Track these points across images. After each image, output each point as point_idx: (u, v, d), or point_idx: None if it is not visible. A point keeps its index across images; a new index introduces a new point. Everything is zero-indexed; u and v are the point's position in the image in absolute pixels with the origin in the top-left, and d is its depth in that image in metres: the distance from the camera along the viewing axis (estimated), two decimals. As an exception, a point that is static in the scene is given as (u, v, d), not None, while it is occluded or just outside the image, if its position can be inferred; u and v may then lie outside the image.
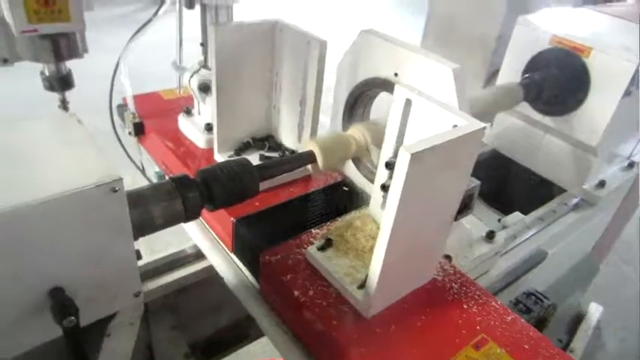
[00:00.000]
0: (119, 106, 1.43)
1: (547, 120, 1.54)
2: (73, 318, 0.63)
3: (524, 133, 1.66)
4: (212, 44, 1.02)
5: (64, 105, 0.93)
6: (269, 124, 1.25)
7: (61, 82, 0.90)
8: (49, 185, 0.61)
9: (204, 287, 1.48)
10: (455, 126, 0.77)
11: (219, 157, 1.19)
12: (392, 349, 0.80)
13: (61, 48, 0.85)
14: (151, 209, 0.78)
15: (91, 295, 0.69)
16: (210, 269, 1.43)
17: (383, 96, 1.05)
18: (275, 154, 1.20)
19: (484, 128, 0.76)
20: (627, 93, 1.35)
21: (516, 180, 1.76)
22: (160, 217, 0.80)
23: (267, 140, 1.22)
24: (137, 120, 1.34)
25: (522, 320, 0.89)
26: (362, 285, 0.87)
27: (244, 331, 1.61)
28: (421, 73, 0.92)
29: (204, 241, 1.16)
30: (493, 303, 0.91)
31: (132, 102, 1.34)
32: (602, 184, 1.57)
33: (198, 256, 1.40)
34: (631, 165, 1.72)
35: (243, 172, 0.86)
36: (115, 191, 0.65)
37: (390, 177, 0.93)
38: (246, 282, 1.05)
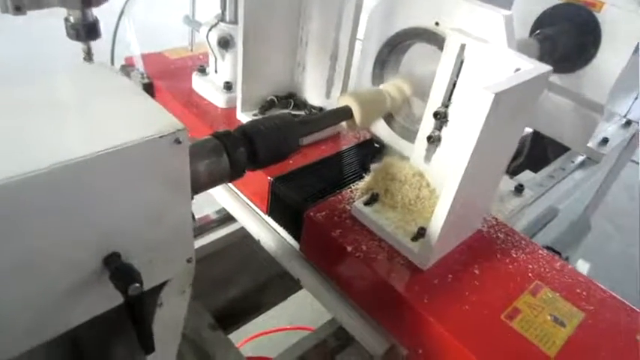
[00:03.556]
0: (123, 67, 1.33)
1: (552, 78, 1.56)
2: (138, 285, 0.57)
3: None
4: (241, -8, 0.96)
5: (89, 56, 0.85)
6: (291, 82, 1.20)
7: (88, 30, 0.81)
8: (107, 137, 0.54)
9: (216, 257, 1.44)
10: (517, 70, 0.76)
11: (243, 116, 1.13)
12: (453, 299, 0.80)
13: (89, -7, 0.77)
14: (197, 167, 0.73)
15: (146, 261, 0.63)
16: (226, 238, 1.40)
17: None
18: (301, 113, 1.15)
19: (551, 71, 0.75)
20: (636, 50, 1.38)
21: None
22: (205, 176, 0.74)
23: (291, 98, 1.17)
24: (146, 80, 1.25)
25: (570, 267, 0.91)
26: (415, 237, 0.86)
27: (256, 302, 1.59)
28: (468, 21, 0.89)
29: (234, 205, 1.11)
30: (539, 251, 0.93)
31: (140, 61, 1.25)
32: (605, 141, 1.62)
33: (220, 223, 1.35)
34: (628, 123, 1.78)
35: (286, 128, 0.81)
36: (179, 142, 0.59)
37: (437, 127, 0.91)
38: (283, 243, 1.02)
